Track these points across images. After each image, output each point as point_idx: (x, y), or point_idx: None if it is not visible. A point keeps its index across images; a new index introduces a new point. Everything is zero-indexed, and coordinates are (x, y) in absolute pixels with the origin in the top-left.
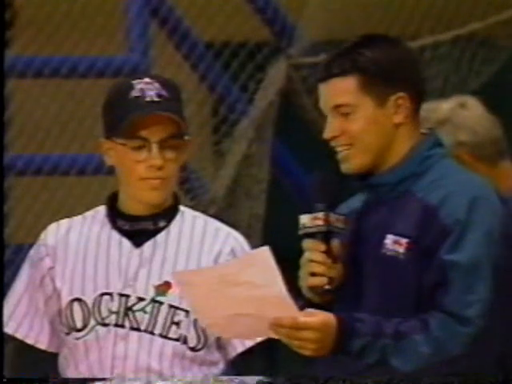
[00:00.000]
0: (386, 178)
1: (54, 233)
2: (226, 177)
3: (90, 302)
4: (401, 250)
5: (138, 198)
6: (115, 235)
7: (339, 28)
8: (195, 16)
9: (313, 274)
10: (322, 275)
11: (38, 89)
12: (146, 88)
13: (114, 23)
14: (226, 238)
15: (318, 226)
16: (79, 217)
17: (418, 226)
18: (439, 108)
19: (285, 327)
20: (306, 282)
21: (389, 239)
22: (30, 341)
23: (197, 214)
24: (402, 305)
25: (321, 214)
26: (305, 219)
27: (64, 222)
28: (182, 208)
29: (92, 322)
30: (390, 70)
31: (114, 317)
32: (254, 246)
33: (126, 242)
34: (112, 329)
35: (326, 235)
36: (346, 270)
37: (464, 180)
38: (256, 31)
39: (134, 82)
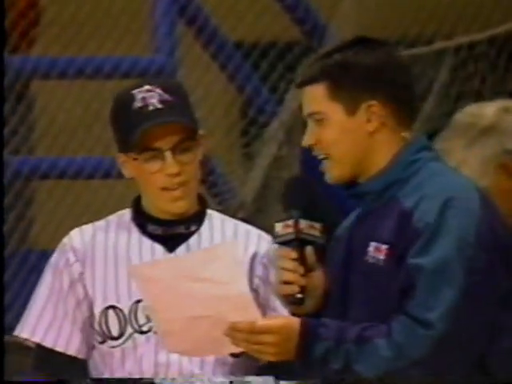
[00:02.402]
0: (370, 186)
1: (79, 238)
2: (255, 180)
3: (125, 309)
4: (381, 256)
5: (162, 209)
6: (146, 240)
7: (372, 27)
8: (223, 15)
9: (285, 283)
10: (293, 283)
11: (62, 90)
12: (148, 96)
13: (139, 22)
14: (259, 241)
15: (289, 233)
16: (102, 221)
17: (395, 231)
18: (483, 114)
19: (242, 332)
20: (277, 290)
21: (371, 247)
22: (59, 348)
23: (224, 216)
24: (387, 313)
25: (291, 222)
26: (278, 227)
27: (87, 228)
28: (209, 211)
29: (129, 330)
30: (360, 75)
31: (152, 324)
32: None
33: (159, 247)
34: (151, 336)
35: (297, 243)
36: (336, 281)
37: (443, 181)
38: (286, 30)
39: (134, 91)
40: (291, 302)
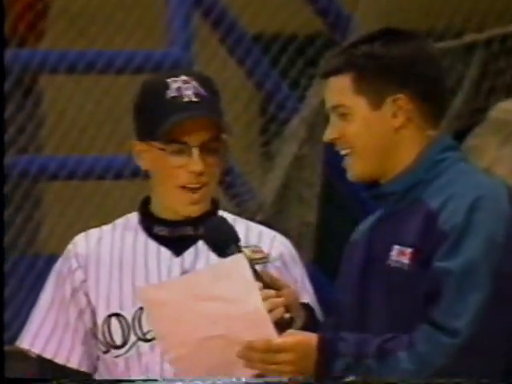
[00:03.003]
0: (392, 187)
1: (83, 243)
2: (275, 181)
3: (129, 316)
4: (405, 260)
5: (175, 210)
6: (152, 243)
7: (398, 18)
8: (241, 6)
9: (269, 312)
10: (274, 308)
11: (72, 85)
12: (184, 87)
13: (152, 14)
14: (272, 242)
15: None
16: (109, 225)
17: (420, 233)
18: None
19: (258, 351)
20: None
21: (394, 250)
22: (59, 360)
23: (236, 217)
24: (411, 320)
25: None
26: None
27: (93, 232)
28: (220, 212)
29: (133, 338)
30: (387, 67)
31: None
32: (304, 257)
33: (165, 251)
34: (156, 344)
35: (254, 272)
36: (353, 288)
37: (470, 182)
38: (308, 22)
39: (168, 80)
40: (284, 326)
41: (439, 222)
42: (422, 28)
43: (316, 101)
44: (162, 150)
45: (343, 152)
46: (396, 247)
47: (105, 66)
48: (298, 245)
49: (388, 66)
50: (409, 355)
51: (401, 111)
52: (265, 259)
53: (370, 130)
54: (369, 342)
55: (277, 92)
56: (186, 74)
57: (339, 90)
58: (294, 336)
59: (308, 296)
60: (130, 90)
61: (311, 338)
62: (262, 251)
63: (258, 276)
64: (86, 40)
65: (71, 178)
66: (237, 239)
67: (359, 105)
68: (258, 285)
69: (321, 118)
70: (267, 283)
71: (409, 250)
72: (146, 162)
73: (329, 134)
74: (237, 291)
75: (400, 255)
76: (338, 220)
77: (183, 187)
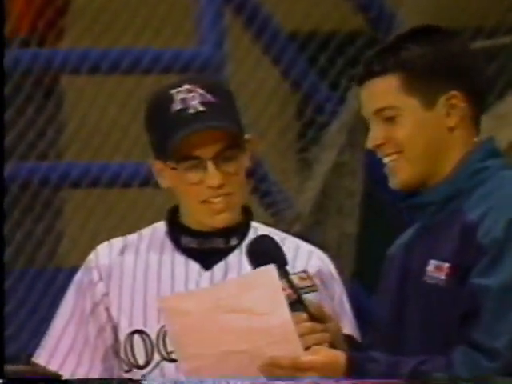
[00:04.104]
0: (431, 196)
1: (106, 254)
2: (313, 189)
3: (153, 334)
4: (442, 276)
5: (202, 223)
6: (180, 255)
7: (445, 15)
8: (276, 1)
9: (307, 348)
10: (320, 343)
11: (94, 87)
12: (188, 97)
13: (181, 10)
14: (309, 258)
15: (288, 296)
16: (134, 235)
17: (458, 247)
18: None
19: (284, 369)
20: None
21: (431, 265)
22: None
23: (272, 230)
24: (448, 340)
25: (284, 283)
26: None
27: (117, 242)
28: (254, 224)
29: (156, 358)
30: (439, 65)
31: None
32: (344, 270)
33: (194, 265)
34: None
35: (299, 302)
36: (389, 305)
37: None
38: (348, 19)
39: (173, 91)
40: None
41: (478, 235)
42: (472, 24)
43: (357, 103)
44: (174, 168)
45: (387, 158)
46: (432, 262)
47: (130, 66)
48: (336, 257)
49: (439, 63)
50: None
51: (455, 110)
52: (313, 287)
53: (423, 132)
54: (402, 363)
55: (315, 94)
56: (190, 82)
57: (386, 91)
58: (321, 354)
59: (347, 319)
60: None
61: (340, 356)
62: (310, 278)
63: (303, 306)
64: (110, 38)
65: (94, 185)
66: (284, 262)
67: (410, 106)
68: (303, 316)
69: (362, 122)
70: (313, 314)
71: (446, 265)
72: (166, 180)
73: (374, 140)
74: (264, 304)
75: (436, 271)
76: (379, 232)
77: (205, 202)
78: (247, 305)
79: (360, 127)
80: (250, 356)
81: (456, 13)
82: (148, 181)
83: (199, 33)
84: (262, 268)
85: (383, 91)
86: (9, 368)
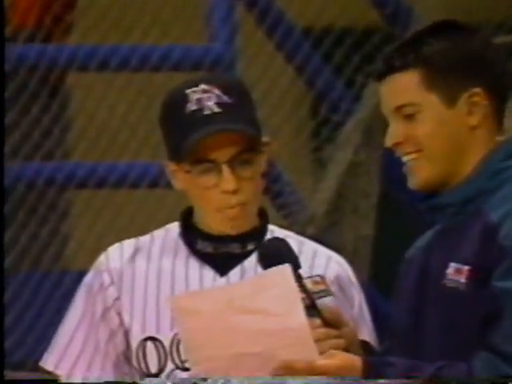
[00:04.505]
0: (451, 197)
1: (117, 256)
2: (328, 190)
3: (166, 341)
4: (462, 279)
5: (215, 229)
6: (194, 260)
7: (464, 10)
8: None
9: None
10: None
11: (103, 84)
12: (204, 97)
13: (192, 5)
14: (328, 263)
15: (301, 300)
16: (146, 236)
17: (479, 249)
18: None
19: (299, 372)
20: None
21: (450, 268)
22: None
23: (289, 233)
24: (468, 345)
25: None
26: None
27: (128, 243)
28: (270, 227)
29: (170, 366)
30: (462, 61)
31: None
32: (360, 273)
33: (208, 270)
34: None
35: (313, 307)
36: (407, 309)
37: None
38: (363, 14)
39: (188, 91)
40: None
41: (499, 237)
42: (494, 19)
43: (373, 101)
44: (188, 172)
45: (407, 157)
46: (452, 265)
47: (139, 63)
48: (352, 260)
49: (461, 59)
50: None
51: (477, 108)
52: (327, 292)
53: (444, 130)
54: (420, 369)
55: (329, 91)
56: (207, 82)
57: (406, 87)
58: (337, 358)
59: (365, 326)
60: (166, 90)
61: (356, 360)
62: (324, 282)
63: (317, 311)
64: (119, 34)
65: (101, 186)
66: (297, 265)
67: (431, 102)
68: (317, 321)
69: (378, 120)
70: (327, 320)
71: (466, 268)
72: (180, 182)
73: (393, 138)
74: (279, 304)
75: (456, 274)
76: (396, 234)
77: (219, 209)
78: (262, 305)
79: (376, 126)
80: (263, 358)
81: (475, 8)
82: (157, 181)
83: (210, 29)
84: (277, 267)
85: (404, 87)
86: (9, 375)
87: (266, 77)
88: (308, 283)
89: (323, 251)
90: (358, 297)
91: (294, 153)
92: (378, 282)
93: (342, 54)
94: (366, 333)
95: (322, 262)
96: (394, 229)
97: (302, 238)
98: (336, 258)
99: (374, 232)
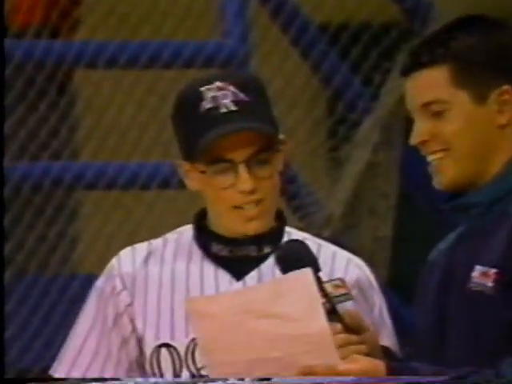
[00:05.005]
0: (477, 197)
1: (130, 260)
2: (345, 191)
3: (181, 348)
4: (488, 283)
5: (233, 230)
6: (209, 264)
7: (485, 6)
8: None
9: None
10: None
11: (111, 82)
12: (220, 95)
13: (203, 0)
14: (347, 266)
15: (321, 305)
16: (159, 240)
17: (506, 252)
18: None
19: (320, 377)
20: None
21: (476, 271)
22: None
23: (306, 236)
24: (495, 350)
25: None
26: None
27: (141, 247)
28: (287, 229)
29: (185, 374)
30: (492, 57)
31: None
32: (377, 276)
33: (224, 274)
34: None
35: (334, 312)
36: (431, 313)
37: None
38: (382, 9)
39: (202, 88)
40: None
41: None
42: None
43: (392, 99)
44: (203, 172)
45: (432, 156)
46: (478, 268)
47: (149, 60)
48: (370, 263)
49: (491, 54)
50: None
51: (507, 106)
52: (348, 296)
53: (472, 128)
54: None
55: (346, 89)
56: (221, 79)
57: (434, 84)
58: (359, 363)
59: (386, 331)
60: (178, 88)
61: (378, 365)
62: (344, 286)
63: (338, 316)
64: (128, 29)
65: (111, 187)
66: (317, 268)
67: (460, 99)
68: (338, 327)
69: (397, 119)
70: (348, 325)
71: (492, 271)
72: (194, 182)
73: (418, 136)
74: (299, 309)
75: (482, 277)
76: (415, 235)
77: (236, 207)
78: (281, 310)
79: (395, 125)
80: (282, 363)
81: (498, 2)
82: (168, 182)
83: (223, 24)
84: (298, 271)
85: (431, 84)
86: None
87: (281, 74)
88: (328, 287)
89: (342, 254)
90: (378, 301)
91: (310, 152)
92: (397, 285)
93: (359, 50)
94: (387, 337)
95: (341, 264)
96: (413, 230)
97: (319, 240)
98: (355, 260)
99: (392, 234)
